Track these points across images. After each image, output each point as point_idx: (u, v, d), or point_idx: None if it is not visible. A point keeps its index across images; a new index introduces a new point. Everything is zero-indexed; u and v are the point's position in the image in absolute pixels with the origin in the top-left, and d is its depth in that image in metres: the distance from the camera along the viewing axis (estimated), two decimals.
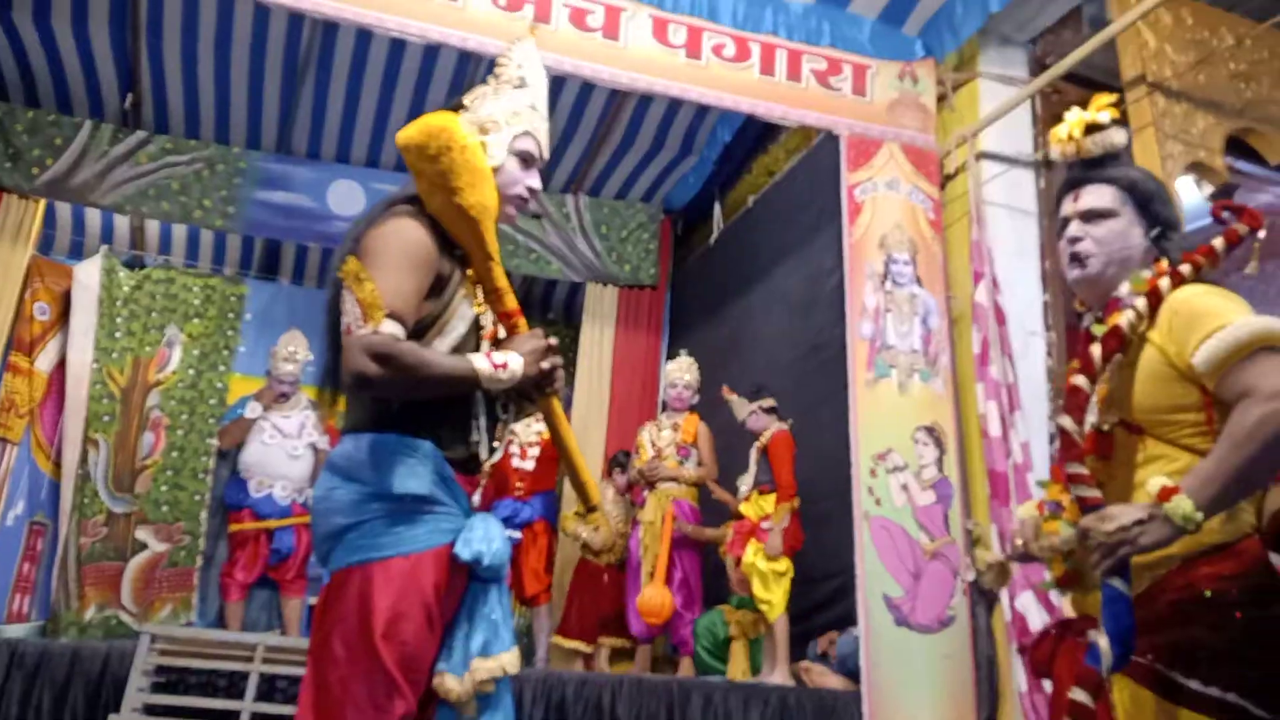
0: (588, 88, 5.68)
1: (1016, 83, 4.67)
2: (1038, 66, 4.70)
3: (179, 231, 6.98)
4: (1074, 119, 1.90)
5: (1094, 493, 1.60)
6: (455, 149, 1.82)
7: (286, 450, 5.01)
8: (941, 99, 4.78)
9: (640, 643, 4.92)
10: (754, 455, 4.55)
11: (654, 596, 4.54)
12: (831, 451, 4.39)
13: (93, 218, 6.88)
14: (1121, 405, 1.68)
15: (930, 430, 4.18)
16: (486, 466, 1.92)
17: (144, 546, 6.38)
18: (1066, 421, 1.67)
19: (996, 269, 4.28)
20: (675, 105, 5.89)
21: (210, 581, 5.17)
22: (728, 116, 6.01)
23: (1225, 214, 1.77)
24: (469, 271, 1.91)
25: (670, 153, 6.54)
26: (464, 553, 1.74)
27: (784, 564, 4.27)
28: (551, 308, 7.90)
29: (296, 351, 5.42)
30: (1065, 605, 1.70)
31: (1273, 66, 4.52)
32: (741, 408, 4.65)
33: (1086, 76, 4.69)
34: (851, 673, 3.99)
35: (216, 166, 6.21)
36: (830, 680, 4.13)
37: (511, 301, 1.92)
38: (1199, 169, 4.24)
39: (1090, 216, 1.82)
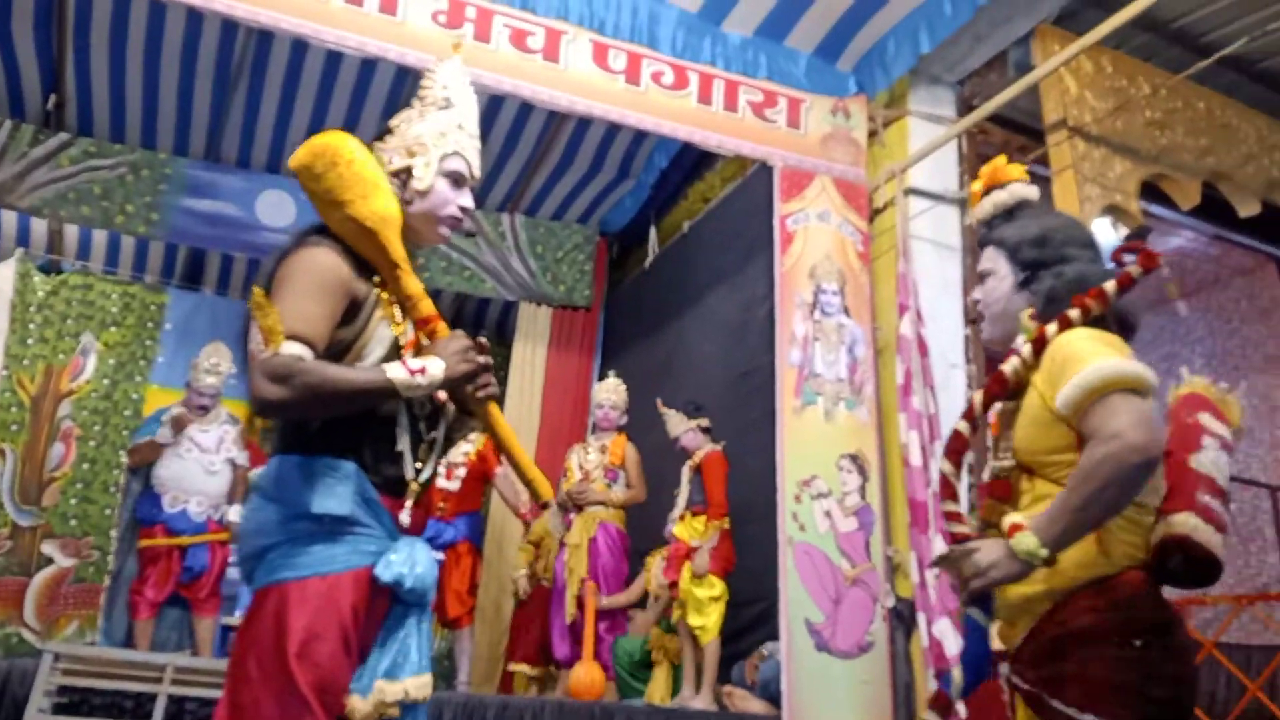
0: (527, 108, 5.69)
1: (944, 122, 4.82)
2: (965, 107, 4.86)
3: (99, 237, 6.78)
4: (977, 184, 1.98)
5: (963, 529, 1.68)
6: (341, 164, 1.81)
7: (204, 465, 4.86)
8: (872, 135, 4.90)
9: (562, 667, 4.89)
10: (686, 475, 4.58)
11: (584, 676, 4.48)
12: (759, 476, 4.44)
13: (9, 220, 6.65)
14: (1014, 448, 1.73)
15: (854, 458, 4.26)
16: (414, 487, 1.89)
17: (50, 561, 6.16)
18: (945, 465, 1.76)
19: (921, 302, 4.39)
20: (613, 129, 5.93)
21: (118, 599, 4.97)
22: (665, 143, 6.07)
23: (1125, 256, 1.82)
24: (384, 294, 1.87)
25: (608, 176, 6.58)
26: (384, 575, 1.72)
27: (718, 587, 4.29)
28: (484, 326, 7.86)
29: (219, 364, 5.28)
30: (994, 638, 1.75)
31: (1186, 116, 4.74)
32: (678, 423, 4.66)
33: (1011, 119, 4.87)
34: (773, 697, 4.02)
35: (141, 171, 6.06)
36: (752, 705, 4.15)
37: (427, 307, 1.88)
38: (1115, 212, 4.41)
39: (981, 278, 1.91)
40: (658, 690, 4.59)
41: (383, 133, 1.99)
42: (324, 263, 1.78)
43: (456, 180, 1.97)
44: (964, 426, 1.78)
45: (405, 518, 1.86)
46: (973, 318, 1.97)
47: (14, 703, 3.14)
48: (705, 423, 4.63)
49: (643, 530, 5.11)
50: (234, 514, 4.96)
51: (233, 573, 5.37)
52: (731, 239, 5.51)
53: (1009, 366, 1.75)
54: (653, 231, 6.76)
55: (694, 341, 5.78)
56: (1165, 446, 1.69)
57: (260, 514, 1.74)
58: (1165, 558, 1.60)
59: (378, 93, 5.74)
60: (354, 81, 5.67)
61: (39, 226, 6.65)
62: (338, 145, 1.83)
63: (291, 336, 1.67)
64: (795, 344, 4.37)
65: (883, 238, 4.72)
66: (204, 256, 7.07)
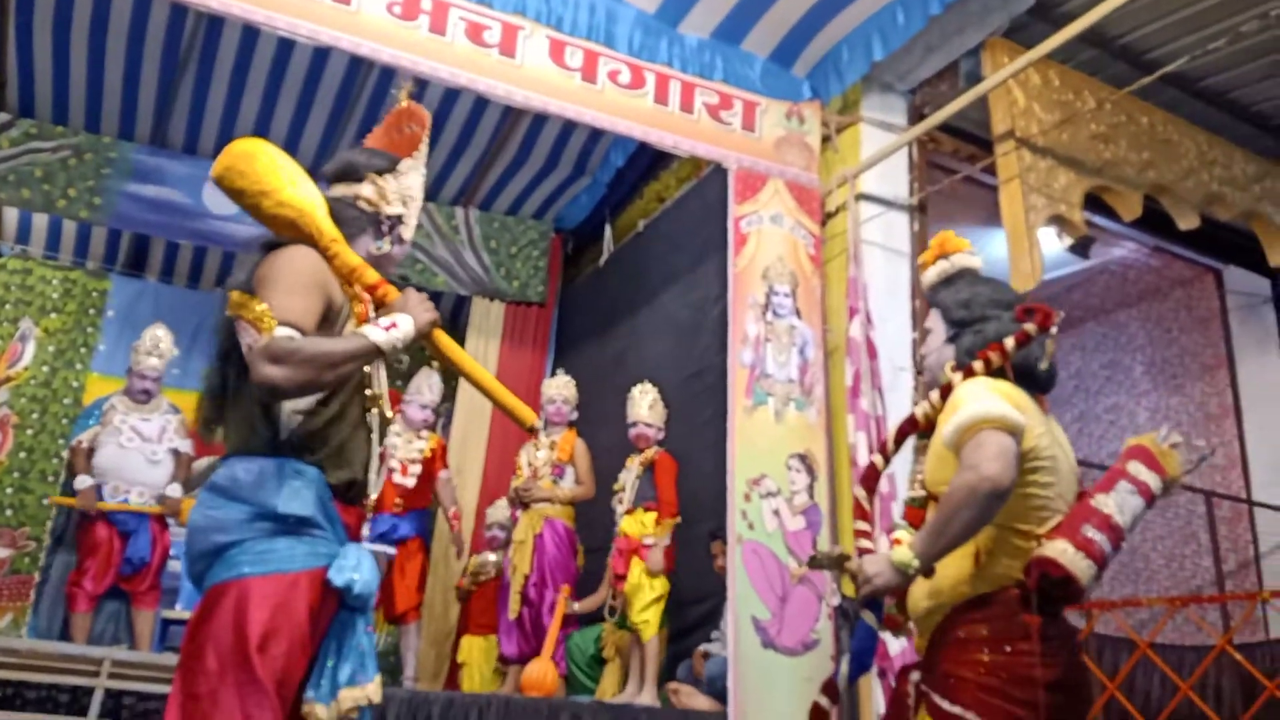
0: (482, 102, 5.66)
1: (896, 129, 4.88)
2: (916, 115, 4.93)
3: (39, 221, 6.62)
4: (927, 255, 2.26)
5: (867, 545, 1.96)
6: (262, 157, 1.91)
7: (145, 454, 4.73)
8: (826, 140, 4.96)
9: (510, 663, 4.89)
10: (636, 470, 4.60)
11: (538, 671, 4.48)
12: (709, 475, 4.48)
13: None
14: (925, 480, 2.01)
15: (803, 458, 4.30)
16: (372, 499, 1.97)
17: None
18: (858, 491, 2.05)
19: (870, 305, 4.45)
20: (569, 126, 5.92)
21: (49, 592, 4.83)
22: (621, 141, 6.07)
23: (1025, 316, 2.04)
24: (356, 307, 1.98)
25: (563, 172, 6.57)
26: (337, 579, 1.79)
27: (661, 584, 4.32)
28: None
29: (160, 344, 5.15)
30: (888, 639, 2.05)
31: (1129, 130, 4.86)
32: (650, 414, 4.67)
33: (961, 128, 4.96)
34: (719, 694, 4.05)
35: (85, 155, 5.93)
36: (698, 701, 4.18)
37: (371, 275, 1.98)
38: (1059, 221, 4.51)
39: (924, 335, 2.21)
40: (610, 686, 4.60)
41: (384, 168, 2.09)
42: (306, 262, 1.88)
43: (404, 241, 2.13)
44: (878, 460, 2.08)
45: (366, 530, 1.96)
46: (919, 369, 2.30)
47: None
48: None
49: (593, 527, 5.12)
50: (174, 490, 4.84)
51: (174, 565, 5.28)
52: (686, 239, 5.54)
53: (920, 409, 2.05)
54: (608, 229, 6.76)
55: (647, 339, 5.80)
56: (1088, 489, 1.97)
57: (219, 512, 1.79)
58: (1026, 576, 1.83)
59: (330, 82, 5.66)
60: (305, 70, 5.59)
61: None
62: (253, 145, 1.94)
63: (283, 323, 1.75)
64: (747, 344, 4.40)
65: (834, 241, 4.78)
66: (148, 243, 6.93)
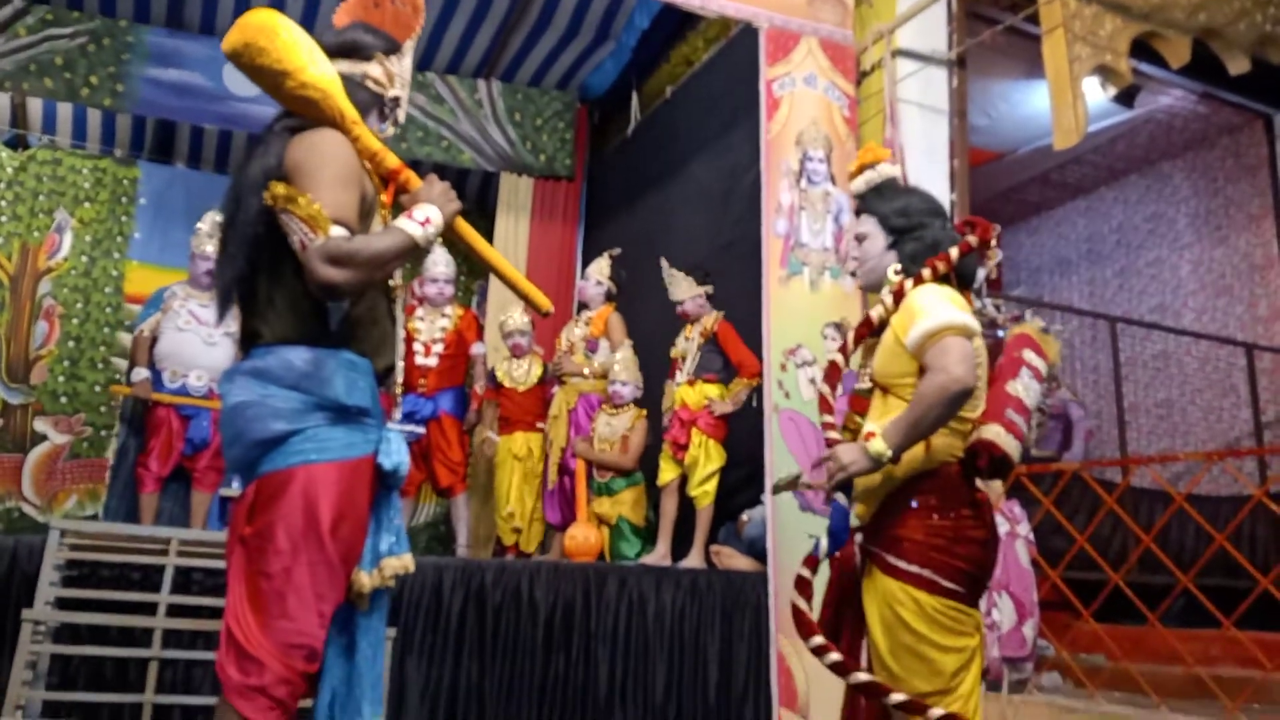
0: None
1: None
2: None
3: (64, 110, 6.56)
4: (853, 165, 2.46)
5: (835, 435, 2.19)
6: (282, 33, 1.84)
7: (202, 337, 4.77)
8: None
9: (557, 529, 5.06)
10: (696, 341, 4.60)
11: (579, 536, 4.61)
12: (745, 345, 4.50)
13: None
14: (874, 373, 2.25)
15: (838, 326, 4.30)
16: (399, 381, 2.06)
17: (44, 438, 6.23)
18: (824, 388, 2.25)
19: (908, 166, 4.35)
20: None
21: (122, 475, 4.98)
22: (645, 2, 5.87)
23: (966, 229, 2.30)
24: (383, 197, 1.99)
25: (586, 38, 6.37)
26: (386, 462, 1.89)
27: (719, 456, 4.43)
28: (465, 198, 7.70)
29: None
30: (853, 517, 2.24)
31: None
32: (686, 288, 4.64)
33: None
34: (759, 554, 4.19)
35: (103, 41, 5.83)
36: (739, 562, 4.32)
37: (392, 160, 1.97)
38: (1105, 71, 4.34)
39: (859, 239, 2.37)
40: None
41: (388, 48, 2.06)
42: (343, 150, 1.87)
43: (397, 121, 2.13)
44: (839, 359, 2.27)
45: (398, 414, 2.04)
46: (850, 270, 2.44)
47: (24, 576, 3.24)
48: (710, 290, 4.66)
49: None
50: None
51: None
52: (715, 105, 5.40)
53: (874, 312, 2.25)
54: (634, 97, 6.60)
55: (678, 210, 5.74)
56: (991, 374, 2.22)
57: (275, 400, 1.82)
58: (975, 456, 2.12)
59: None
60: None
61: (0, 101, 6.43)
62: (272, 18, 1.86)
63: (335, 221, 1.76)
64: (781, 213, 4.34)
65: (869, 101, 4.64)
66: (174, 129, 6.86)
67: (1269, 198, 6.54)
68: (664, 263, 4.78)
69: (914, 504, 2.12)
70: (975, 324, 2.14)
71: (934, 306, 2.11)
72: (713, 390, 4.50)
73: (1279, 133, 6.57)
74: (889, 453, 2.05)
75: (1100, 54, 4.27)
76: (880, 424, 2.13)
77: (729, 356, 4.52)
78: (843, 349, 2.29)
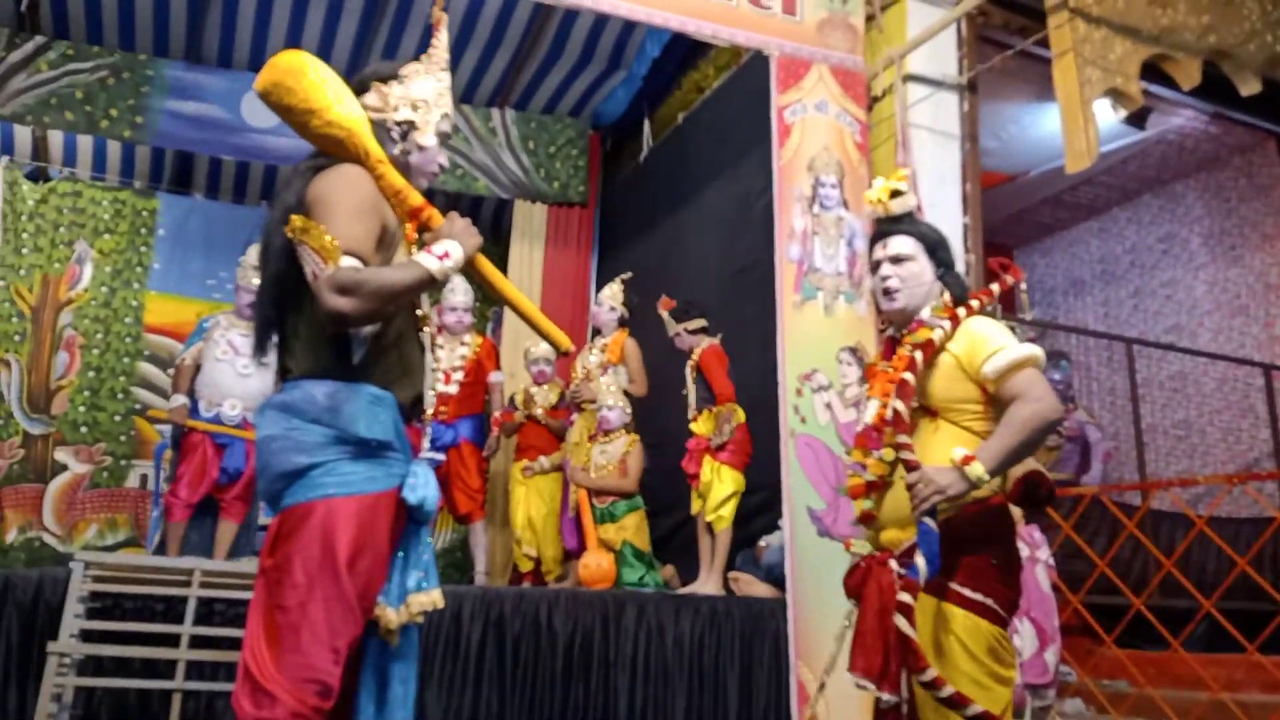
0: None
1: (944, 4, 4.70)
2: None
3: (84, 142, 6.65)
4: (880, 187, 2.41)
5: (914, 457, 2.13)
6: (310, 73, 1.90)
7: (237, 368, 4.80)
8: (870, 19, 4.78)
9: (574, 557, 5.06)
10: (690, 375, 4.65)
11: (593, 564, 4.62)
12: (759, 371, 4.51)
13: None
14: (921, 395, 2.24)
15: (853, 351, 4.31)
16: (429, 414, 2.04)
17: (64, 468, 6.28)
18: (900, 406, 2.20)
19: (920, 191, 4.37)
20: (603, 17, 5.77)
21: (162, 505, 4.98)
22: (657, 30, 5.91)
23: (1000, 269, 2.40)
24: (407, 227, 2.00)
25: (598, 66, 6.44)
26: (411, 497, 1.88)
27: (735, 481, 4.42)
28: (480, 226, 7.76)
29: None
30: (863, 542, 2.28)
31: None
32: (669, 325, 4.75)
33: (1011, 0, 4.75)
34: (778, 581, 4.18)
35: (123, 74, 5.92)
36: (758, 589, 4.31)
37: (416, 198, 2.00)
38: (1115, 94, 4.35)
39: (897, 260, 2.34)
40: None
41: (388, 76, 2.08)
42: (362, 184, 1.90)
43: (444, 139, 2.13)
44: (910, 378, 2.23)
45: (426, 445, 2.03)
46: (887, 288, 2.35)
47: (48, 608, 3.26)
48: (696, 324, 4.69)
49: (648, 425, 5.20)
50: None
51: None
52: (727, 131, 5.43)
53: (936, 335, 2.24)
54: (646, 124, 6.65)
55: (691, 236, 5.77)
56: None
57: (299, 434, 1.84)
58: (1035, 486, 2.23)
59: None
60: None
61: (22, 134, 6.51)
62: (300, 59, 1.92)
63: (347, 252, 1.78)
64: (794, 239, 4.36)
65: (881, 126, 4.66)
66: (192, 160, 6.95)
67: None
68: (663, 300, 4.82)
69: (970, 533, 2.13)
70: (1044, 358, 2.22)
71: (1006, 338, 2.19)
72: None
73: None
74: (987, 477, 2.05)
75: (1111, 77, 4.29)
76: (964, 449, 2.11)
77: (709, 385, 4.53)
78: (910, 367, 2.22)
